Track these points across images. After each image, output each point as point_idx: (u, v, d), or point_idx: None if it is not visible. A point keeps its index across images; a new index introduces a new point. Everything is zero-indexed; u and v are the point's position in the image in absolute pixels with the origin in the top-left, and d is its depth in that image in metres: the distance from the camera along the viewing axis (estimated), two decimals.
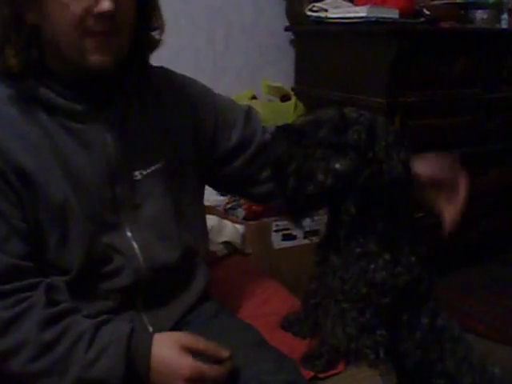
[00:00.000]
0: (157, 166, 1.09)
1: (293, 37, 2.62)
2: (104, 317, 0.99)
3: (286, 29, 2.56)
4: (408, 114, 2.11)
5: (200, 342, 0.98)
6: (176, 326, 1.11)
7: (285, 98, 2.43)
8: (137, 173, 1.07)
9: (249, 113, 1.27)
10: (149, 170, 1.08)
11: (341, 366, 1.12)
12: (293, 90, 2.50)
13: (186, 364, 0.94)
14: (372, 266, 1.07)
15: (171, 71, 1.18)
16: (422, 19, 2.19)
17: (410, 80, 2.11)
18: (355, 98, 2.18)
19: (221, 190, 1.46)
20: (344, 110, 1.06)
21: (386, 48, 2.05)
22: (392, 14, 2.11)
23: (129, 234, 1.06)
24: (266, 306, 1.36)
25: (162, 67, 1.18)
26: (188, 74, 1.20)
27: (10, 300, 0.94)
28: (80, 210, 1.00)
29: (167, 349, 0.96)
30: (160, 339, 0.97)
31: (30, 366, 0.93)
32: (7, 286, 0.94)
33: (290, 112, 2.30)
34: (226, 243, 1.73)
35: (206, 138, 1.19)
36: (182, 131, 1.15)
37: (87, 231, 1.01)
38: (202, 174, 1.22)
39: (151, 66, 1.14)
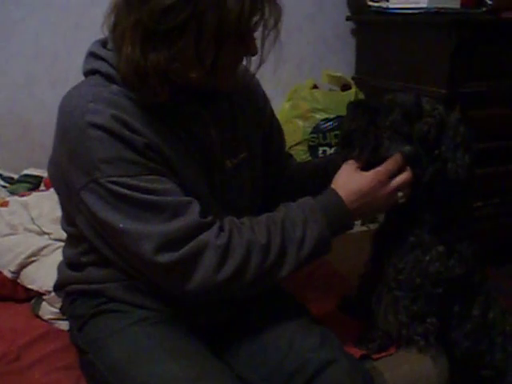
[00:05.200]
0: (242, 155, 1.17)
1: (354, 26, 2.60)
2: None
3: (348, 18, 2.55)
4: (468, 105, 2.06)
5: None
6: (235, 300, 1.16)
7: (345, 87, 2.43)
8: (228, 161, 1.15)
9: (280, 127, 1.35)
10: (237, 160, 1.16)
11: (392, 349, 1.17)
12: (353, 79, 2.49)
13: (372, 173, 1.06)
14: (427, 258, 1.09)
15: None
16: (484, 9, 2.15)
17: (470, 70, 2.07)
18: (415, 88, 2.15)
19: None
20: (420, 98, 1.08)
21: (447, 38, 2.03)
22: (453, 4, 2.10)
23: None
24: (324, 289, 1.43)
25: None
26: None
27: (214, 229, 1.01)
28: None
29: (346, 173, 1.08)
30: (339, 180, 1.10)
31: (260, 268, 1.01)
32: (208, 219, 1.01)
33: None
34: None
35: (266, 135, 1.27)
36: (254, 125, 1.22)
37: None
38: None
39: None
